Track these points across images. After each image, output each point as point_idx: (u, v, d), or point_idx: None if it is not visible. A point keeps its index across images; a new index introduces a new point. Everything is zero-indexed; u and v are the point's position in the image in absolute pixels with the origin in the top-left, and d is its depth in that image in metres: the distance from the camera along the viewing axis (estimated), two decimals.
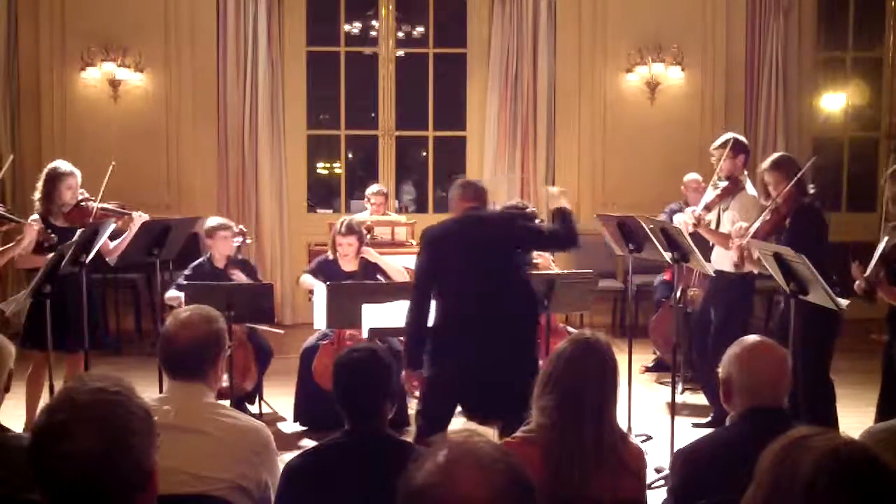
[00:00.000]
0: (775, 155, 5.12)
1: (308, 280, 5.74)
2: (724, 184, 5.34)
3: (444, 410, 4.21)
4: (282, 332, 6.42)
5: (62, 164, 5.27)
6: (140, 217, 5.30)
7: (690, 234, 4.96)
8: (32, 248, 4.95)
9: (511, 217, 4.75)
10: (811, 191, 4.90)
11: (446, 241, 4.27)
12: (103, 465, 1.45)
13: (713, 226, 5.37)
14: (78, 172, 5.27)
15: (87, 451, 1.45)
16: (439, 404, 4.17)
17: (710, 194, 5.40)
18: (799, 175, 4.76)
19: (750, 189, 5.40)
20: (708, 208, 5.36)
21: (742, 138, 5.53)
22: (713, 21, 8.43)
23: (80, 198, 5.26)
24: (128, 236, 5.27)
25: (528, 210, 5.79)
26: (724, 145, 5.39)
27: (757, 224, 4.79)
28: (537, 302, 4.53)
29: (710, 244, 5.43)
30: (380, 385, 2.55)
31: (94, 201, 5.24)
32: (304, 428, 5.44)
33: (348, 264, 5.68)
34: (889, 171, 4.89)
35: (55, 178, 5.18)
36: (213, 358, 2.58)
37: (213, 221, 5.78)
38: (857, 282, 4.35)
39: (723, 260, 5.34)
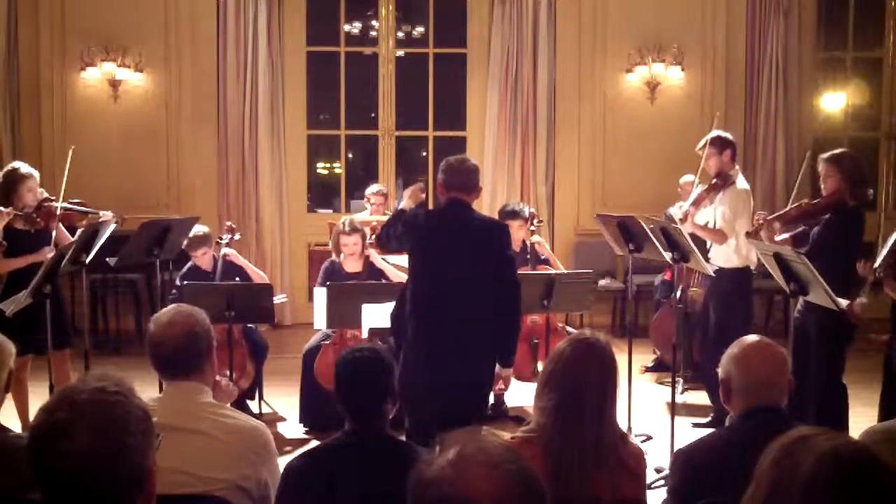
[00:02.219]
0: (839, 150, 4.94)
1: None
2: (714, 180, 5.37)
3: (424, 415, 3.83)
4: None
5: (22, 166, 5.05)
6: (106, 216, 5.02)
7: (690, 235, 4.96)
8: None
9: (496, 228, 4.12)
10: (870, 195, 4.79)
11: (425, 229, 4.00)
12: (101, 465, 1.45)
13: (711, 225, 5.38)
14: (37, 174, 5.03)
15: (84, 451, 1.44)
16: (417, 408, 3.84)
17: (698, 190, 5.44)
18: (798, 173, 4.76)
19: (741, 183, 5.41)
20: (696, 204, 5.39)
21: (725, 134, 5.51)
22: (713, 21, 8.42)
23: (41, 198, 5.01)
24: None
25: (522, 211, 5.77)
26: (708, 144, 5.42)
27: (786, 209, 4.80)
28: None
29: (708, 243, 5.45)
30: (381, 385, 2.55)
31: (56, 201, 5.00)
32: (306, 429, 5.43)
33: (352, 265, 5.61)
34: None
35: (16, 181, 4.91)
36: (203, 353, 2.57)
37: (193, 234, 5.52)
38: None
39: (719, 256, 5.36)
